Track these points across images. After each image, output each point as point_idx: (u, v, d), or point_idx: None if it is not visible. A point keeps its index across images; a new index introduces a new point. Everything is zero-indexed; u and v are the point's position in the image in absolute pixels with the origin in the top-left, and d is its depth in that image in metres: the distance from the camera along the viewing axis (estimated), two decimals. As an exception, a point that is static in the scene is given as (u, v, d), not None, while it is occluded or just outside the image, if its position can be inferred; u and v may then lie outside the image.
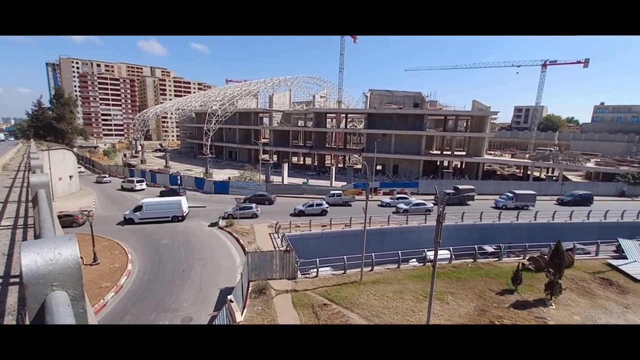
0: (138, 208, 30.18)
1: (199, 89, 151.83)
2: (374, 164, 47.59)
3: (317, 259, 21.89)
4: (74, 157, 47.97)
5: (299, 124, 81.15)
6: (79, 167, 52.24)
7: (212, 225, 29.98)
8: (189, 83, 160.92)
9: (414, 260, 24.37)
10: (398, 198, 39.26)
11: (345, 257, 22.18)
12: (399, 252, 23.61)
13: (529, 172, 56.45)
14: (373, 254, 22.48)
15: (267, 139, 78.04)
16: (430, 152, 64.84)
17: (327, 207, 35.20)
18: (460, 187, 40.68)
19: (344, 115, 70.74)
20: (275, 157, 70.61)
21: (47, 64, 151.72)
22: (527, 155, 63.72)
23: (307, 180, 50.16)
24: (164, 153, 74.61)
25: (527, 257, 25.00)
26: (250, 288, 19.14)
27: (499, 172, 64.24)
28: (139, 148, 78.71)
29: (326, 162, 69.08)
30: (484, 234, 30.90)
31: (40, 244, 1.21)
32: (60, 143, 56.49)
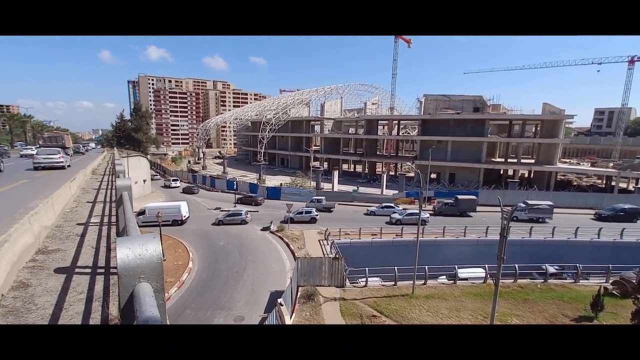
0: (141, 212, 31.72)
1: (255, 99, 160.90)
2: (427, 172, 45.51)
3: (367, 269, 21.43)
4: (148, 163, 53.97)
5: (350, 132, 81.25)
6: (155, 174, 60.20)
7: (264, 229, 31.22)
8: (246, 94, 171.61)
9: (444, 277, 22.46)
10: (384, 207, 37.82)
11: (396, 268, 21.39)
12: (455, 266, 22.11)
13: (612, 183, 49.03)
14: (426, 267, 21.33)
15: (318, 146, 79.48)
16: (493, 159, 59.97)
17: (317, 215, 34.51)
18: (460, 197, 38.77)
19: (397, 122, 69.10)
20: (325, 164, 71.49)
21: (128, 81, 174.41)
22: (611, 164, 55.50)
23: (357, 187, 49.77)
24: (222, 160, 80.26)
25: (610, 281, 21.60)
26: (299, 293, 19.42)
27: (575, 183, 56.86)
28: (201, 155, 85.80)
29: (377, 169, 67.91)
30: (555, 252, 27.52)
31: (131, 240, 1.36)
32: (137, 151, 64.02)
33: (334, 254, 23.94)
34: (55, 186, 10.25)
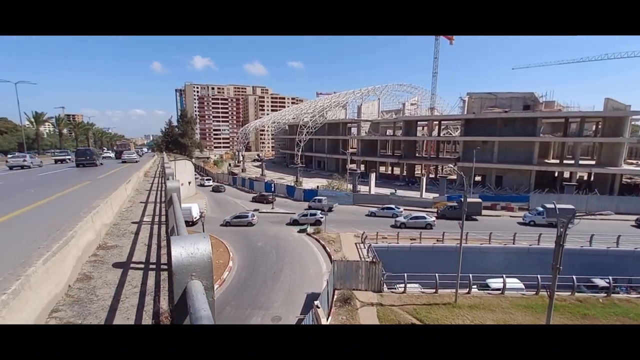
0: None
1: (293, 103, 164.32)
2: (472, 174, 43.11)
3: (405, 274, 20.76)
4: (192, 166, 57.34)
5: (387, 133, 79.74)
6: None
7: (301, 231, 31.58)
8: (284, 98, 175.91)
9: (475, 287, 20.74)
10: (384, 208, 37.53)
11: (437, 275, 20.45)
12: (503, 275, 20.59)
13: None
14: (470, 275, 20.12)
15: (354, 148, 78.99)
16: (546, 160, 55.26)
17: (322, 217, 33.27)
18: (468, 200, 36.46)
19: (437, 122, 66.52)
20: (362, 167, 70.76)
21: (176, 90, 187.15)
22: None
23: (395, 190, 48.59)
24: (260, 163, 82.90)
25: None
26: (335, 296, 19.31)
27: (645, 187, 50.43)
28: (241, 158, 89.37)
29: (416, 172, 65.82)
30: (620, 263, 24.59)
31: (184, 239, 1.41)
32: (183, 154, 68.32)
33: (371, 258, 23.51)
34: (127, 178, 11.51)
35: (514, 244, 26.93)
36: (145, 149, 78.45)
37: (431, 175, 61.22)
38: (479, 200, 37.78)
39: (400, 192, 47.64)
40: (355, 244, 27.97)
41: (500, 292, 20.15)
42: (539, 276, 20.03)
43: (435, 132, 65.45)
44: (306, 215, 34.56)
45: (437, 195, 44.77)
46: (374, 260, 21.95)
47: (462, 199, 21.16)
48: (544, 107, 54.71)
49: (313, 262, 24.88)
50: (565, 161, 54.49)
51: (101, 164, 25.02)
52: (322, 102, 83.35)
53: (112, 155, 39.98)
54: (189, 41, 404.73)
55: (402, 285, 20.59)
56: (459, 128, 64.23)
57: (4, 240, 5.10)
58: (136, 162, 26.81)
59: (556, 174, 51.86)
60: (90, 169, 20.86)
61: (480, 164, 46.45)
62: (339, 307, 18.39)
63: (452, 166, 51.34)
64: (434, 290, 20.31)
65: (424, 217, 33.08)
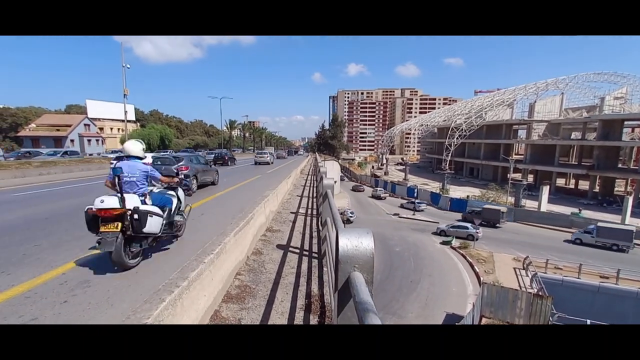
0: None
1: (444, 103, 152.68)
2: None
3: (588, 321, 15.67)
4: (339, 166, 62.10)
5: (572, 137, 62.59)
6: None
7: (444, 243, 28.96)
8: (434, 99, 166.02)
9: None
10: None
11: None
12: None
13: None
14: None
15: (520, 154, 66.06)
16: None
17: (478, 233, 29.36)
18: (486, 206, 35.60)
19: (660, 121, 47.15)
20: (530, 178, 58.36)
21: (329, 96, 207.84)
22: None
23: (580, 210, 37.58)
24: (404, 166, 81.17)
25: None
26: (481, 324, 16.70)
27: None
28: (384, 161, 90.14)
29: (616, 188, 48.90)
30: None
31: (350, 232, 1.48)
32: (332, 155, 75.03)
33: (535, 290, 19.05)
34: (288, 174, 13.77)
35: None
36: (301, 151, 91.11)
37: (645, 195, 43.95)
38: (499, 208, 34.05)
39: (587, 213, 36.51)
40: (514, 268, 23.35)
41: None
42: None
43: (657, 136, 46.55)
44: (457, 227, 31.05)
45: (654, 223, 31.85)
46: (541, 293, 17.67)
47: None
48: None
49: (457, 279, 22.35)
50: None
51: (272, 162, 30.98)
52: (481, 101, 73.59)
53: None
54: (346, 51, 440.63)
55: (583, 335, 15.67)
56: None
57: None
58: (268, 163, 28.57)
59: None
60: (264, 166, 26.71)
61: None
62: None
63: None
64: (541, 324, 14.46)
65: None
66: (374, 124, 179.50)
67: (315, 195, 12.32)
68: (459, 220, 33.99)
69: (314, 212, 9.47)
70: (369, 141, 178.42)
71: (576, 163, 58.37)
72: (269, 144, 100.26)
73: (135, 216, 3.43)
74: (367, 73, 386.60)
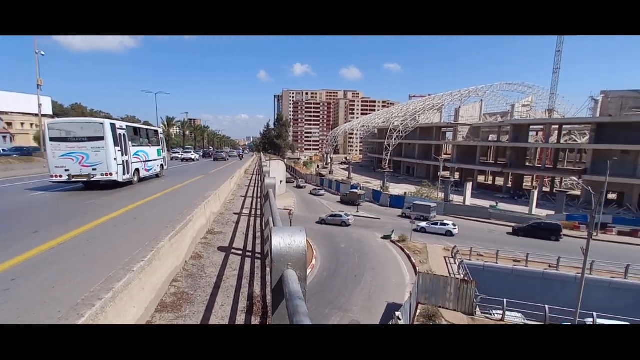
0: None
1: (384, 106, 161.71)
2: (603, 190, 34.95)
3: (505, 300, 18.06)
4: (284, 166, 61.84)
5: (490, 139, 71.23)
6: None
7: (385, 237, 30.71)
8: (374, 102, 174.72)
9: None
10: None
11: (547, 307, 17.19)
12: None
13: None
14: (594, 314, 16.29)
15: (448, 154, 73.01)
16: None
17: (350, 220, 34.78)
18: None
19: (557, 126, 56.20)
20: (457, 175, 64.91)
21: (275, 96, 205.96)
22: None
23: (497, 203, 42.93)
24: (347, 166, 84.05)
25: None
26: (418, 310, 18.12)
27: None
28: (329, 161, 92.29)
29: (525, 184, 56.96)
30: None
31: (283, 230, 1.49)
32: (277, 155, 74.40)
33: (462, 276, 21.27)
34: (232, 174, 13.08)
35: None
36: (248, 150, 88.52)
37: (545, 189, 52.08)
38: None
39: (502, 206, 41.90)
40: (445, 257, 25.74)
41: None
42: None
43: (553, 138, 55.49)
44: (334, 215, 35.84)
45: (552, 212, 37.88)
46: (467, 278, 19.78)
47: (589, 220, 17.28)
48: None
49: (396, 271, 23.89)
50: None
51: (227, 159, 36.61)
52: (415, 105, 79.61)
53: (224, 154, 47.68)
54: (292, 50, 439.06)
55: (500, 311, 17.98)
56: (587, 134, 52.88)
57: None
58: (194, 161, 32.44)
59: None
60: (209, 164, 26.49)
61: (616, 179, 37.25)
62: (422, 323, 17.17)
63: (575, 179, 42.38)
64: (542, 324, 17.10)
65: (445, 224, 32.59)
66: (318, 124, 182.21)
67: (259, 195, 12.10)
68: (399, 216, 36.56)
69: (258, 212, 9.31)
70: (314, 141, 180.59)
71: (493, 162, 66.60)
72: (212, 143, 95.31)
73: None
74: (312, 74, 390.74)
